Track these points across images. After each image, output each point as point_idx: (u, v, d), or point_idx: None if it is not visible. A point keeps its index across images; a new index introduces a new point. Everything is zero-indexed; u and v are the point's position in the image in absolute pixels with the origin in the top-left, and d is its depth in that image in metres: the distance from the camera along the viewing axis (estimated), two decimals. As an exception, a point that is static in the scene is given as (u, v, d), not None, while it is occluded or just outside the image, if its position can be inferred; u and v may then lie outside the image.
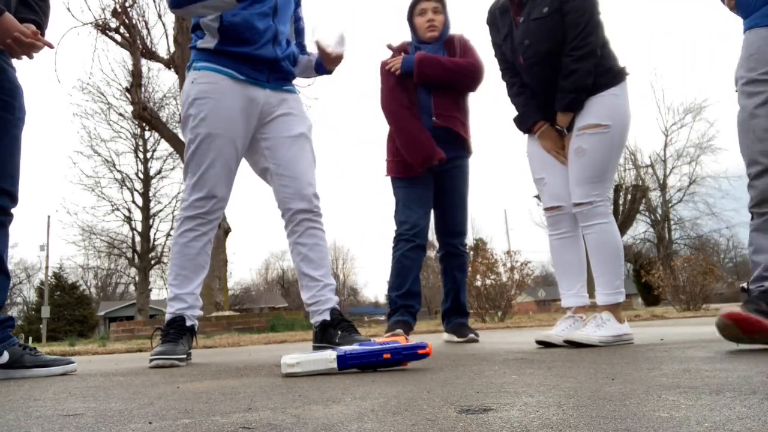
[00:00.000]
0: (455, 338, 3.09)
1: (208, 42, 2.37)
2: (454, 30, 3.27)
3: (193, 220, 2.43)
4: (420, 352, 1.63)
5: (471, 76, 3.12)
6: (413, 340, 1.85)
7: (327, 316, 2.42)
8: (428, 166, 3.01)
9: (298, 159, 2.48)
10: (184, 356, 2.33)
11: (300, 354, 1.67)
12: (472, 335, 3.06)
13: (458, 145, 3.14)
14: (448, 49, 3.17)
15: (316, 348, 2.47)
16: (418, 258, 3.09)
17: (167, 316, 2.44)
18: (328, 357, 1.61)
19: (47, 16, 2.21)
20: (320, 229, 2.51)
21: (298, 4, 2.65)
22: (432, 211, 3.23)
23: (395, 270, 3.08)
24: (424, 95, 3.08)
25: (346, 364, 1.61)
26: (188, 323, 2.42)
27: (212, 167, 2.37)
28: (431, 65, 3.03)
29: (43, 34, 2.12)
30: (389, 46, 3.29)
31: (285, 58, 2.48)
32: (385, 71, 3.14)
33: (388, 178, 3.26)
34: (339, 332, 2.38)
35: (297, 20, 2.68)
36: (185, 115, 2.42)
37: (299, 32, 2.69)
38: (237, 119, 2.37)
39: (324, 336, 2.43)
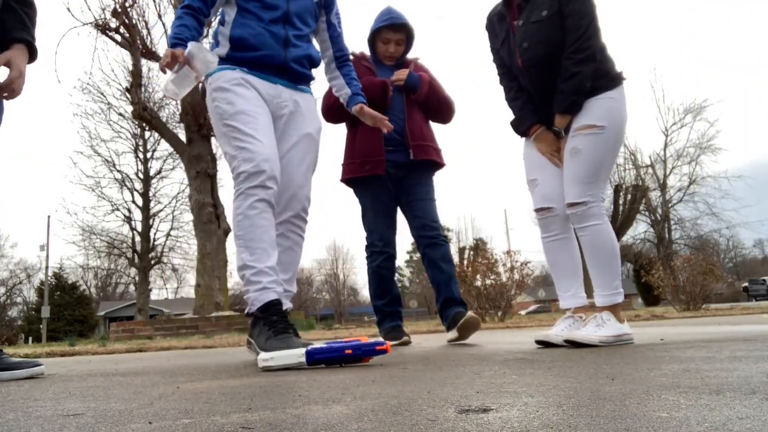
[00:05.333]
0: (455, 333, 3.00)
1: (221, 50, 2.39)
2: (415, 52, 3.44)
3: (258, 191, 2.22)
4: (378, 348, 1.85)
5: (451, 115, 3.39)
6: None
7: None
8: (387, 93, 3.15)
9: (299, 162, 2.48)
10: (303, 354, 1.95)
11: (274, 351, 1.88)
12: (471, 313, 2.96)
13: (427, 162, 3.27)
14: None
15: (250, 342, 2.49)
16: (393, 266, 3.30)
17: (258, 296, 2.16)
18: (298, 353, 1.83)
19: (34, 22, 2.17)
20: (301, 235, 2.53)
21: (328, 8, 2.61)
22: (403, 214, 3.35)
23: (375, 281, 3.27)
24: (395, 109, 3.21)
25: (313, 359, 1.82)
26: (285, 306, 2.23)
27: (256, 133, 2.26)
28: (436, 93, 3.27)
29: (34, 49, 2.12)
30: (352, 53, 3.33)
31: (297, 61, 2.45)
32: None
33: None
34: None
35: (329, 27, 2.63)
36: (213, 113, 2.37)
37: (334, 40, 2.64)
38: (258, 98, 2.36)
39: None
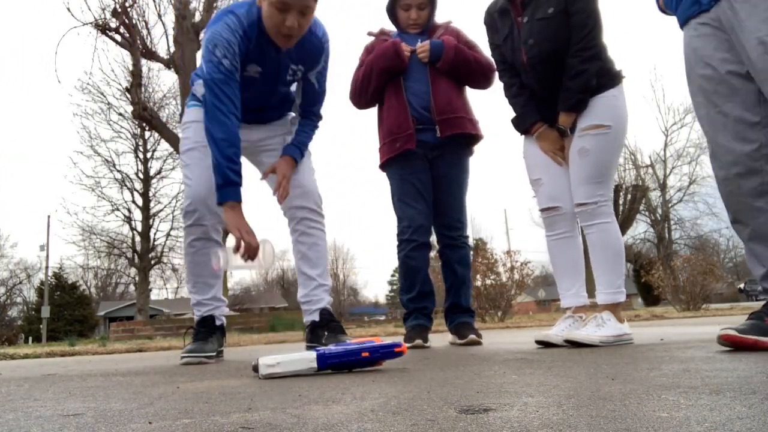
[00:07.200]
0: (457, 340, 2.96)
1: (200, 89, 2.48)
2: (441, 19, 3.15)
3: (194, 230, 2.51)
4: (396, 350, 1.70)
5: (488, 77, 3.01)
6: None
7: (316, 317, 2.50)
8: (401, 56, 2.89)
9: (302, 170, 2.59)
10: (214, 353, 2.48)
11: (279, 355, 1.67)
12: (473, 336, 2.88)
13: (461, 133, 2.97)
14: (429, 37, 3.02)
15: (309, 347, 2.45)
16: (423, 256, 2.97)
17: (196, 317, 2.59)
18: (309, 357, 1.64)
19: None
20: (321, 229, 2.57)
21: (309, 69, 2.54)
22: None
23: (402, 272, 3.01)
24: (420, 83, 2.96)
25: (326, 363, 1.64)
26: (217, 322, 2.60)
27: (195, 176, 2.47)
28: (463, 55, 2.92)
29: None
30: (370, 33, 3.18)
31: (277, 108, 2.64)
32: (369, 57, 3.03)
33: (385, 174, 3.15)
34: (326, 333, 2.46)
35: (306, 83, 2.59)
36: (180, 141, 2.62)
37: (306, 95, 2.62)
38: None
39: (313, 336, 2.51)
